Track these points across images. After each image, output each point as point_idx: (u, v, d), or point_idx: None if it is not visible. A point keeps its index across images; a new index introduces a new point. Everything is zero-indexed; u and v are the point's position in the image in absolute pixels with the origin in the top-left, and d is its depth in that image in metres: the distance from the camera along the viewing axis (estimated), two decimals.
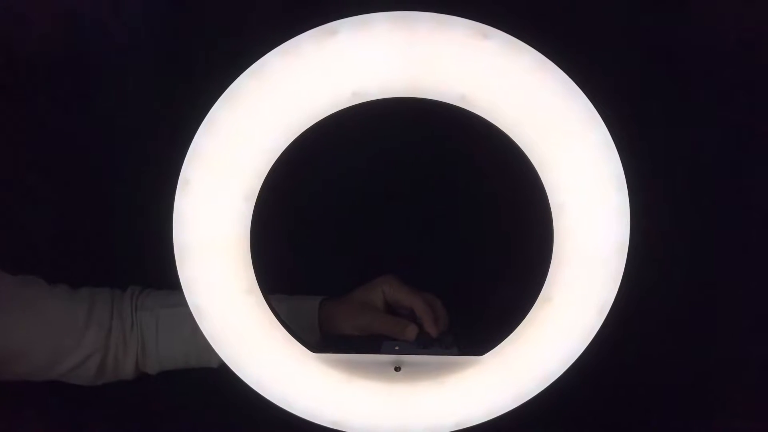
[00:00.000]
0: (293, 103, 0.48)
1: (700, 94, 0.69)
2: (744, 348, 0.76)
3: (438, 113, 0.48)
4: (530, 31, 0.46)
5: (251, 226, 0.51)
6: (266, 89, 0.47)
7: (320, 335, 0.66)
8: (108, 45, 0.67)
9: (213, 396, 0.69)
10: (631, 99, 0.66)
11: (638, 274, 0.52)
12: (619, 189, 0.49)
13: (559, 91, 0.47)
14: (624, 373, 0.75)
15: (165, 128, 0.63)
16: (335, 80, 0.47)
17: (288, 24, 0.46)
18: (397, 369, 0.55)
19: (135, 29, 0.66)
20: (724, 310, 0.75)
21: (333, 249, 0.73)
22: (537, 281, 0.52)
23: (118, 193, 0.71)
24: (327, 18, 0.45)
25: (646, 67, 0.69)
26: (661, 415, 0.79)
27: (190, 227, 0.50)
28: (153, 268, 0.59)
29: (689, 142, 0.71)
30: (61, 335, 0.62)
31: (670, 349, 0.76)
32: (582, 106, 0.48)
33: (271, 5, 0.66)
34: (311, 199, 0.72)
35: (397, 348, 0.57)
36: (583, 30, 0.67)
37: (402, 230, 0.73)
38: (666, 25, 0.68)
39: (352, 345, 0.57)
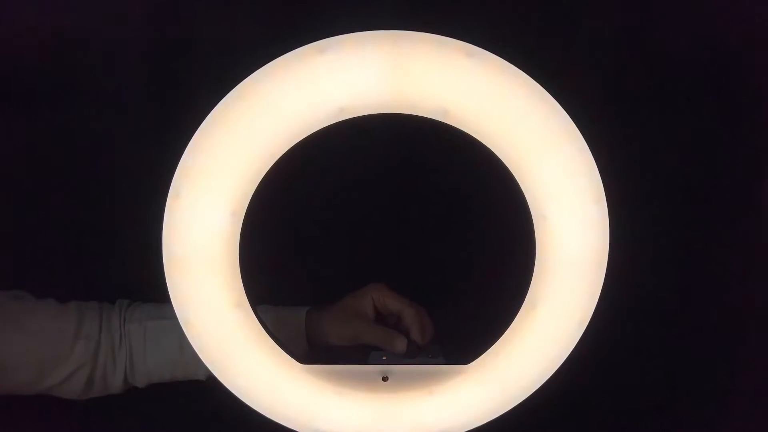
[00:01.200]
0: (281, 120, 0.48)
1: (680, 105, 0.71)
2: (727, 355, 0.77)
3: (422, 128, 0.49)
4: (511, 49, 0.47)
5: (240, 240, 0.51)
6: (254, 107, 0.47)
7: (307, 345, 0.66)
8: (99, 62, 0.67)
9: (201, 408, 0.69)
10: (609, 111, 0.68)
11: (620, 279, 0.53)
12: (597, 200, 0.50)
13: (539, 106, 0.48)
14: (608, 378, 0.76)
15: (156, 143, 0.63)
16: (323, 97, 0.47)
17: (275, 43, 0.46)
18: (385, 379, 0.55)
19: (124, 47, 0.66)
20: (706, 318, 0.76)
21: (321, 261, 0.74)
22: (520, 290, 0.53)
23: (108, 205, 0.71)
24: (315, 37, 0.46)
25: (624, 79, 0.71)
26: (647, 421, 0.80)
27: (179, 240, 0.50)
28: (142, 280, 0.59)
29: (669, 152, 0.72)
30: (49, 349, 0.62)
31: (654, 353, 0.77)
32: (560, 120, 0.49)
33: (260, 25, 0.66)
34: (300, 212, 0.72)
35: (384, 358, 0.57)
36: (561, 45, 0.69)
37: (388, 242, 0.73)
38: (644, 36, 0.69)
39: (339, 355, 0.57)
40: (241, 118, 0.48)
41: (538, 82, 0.48)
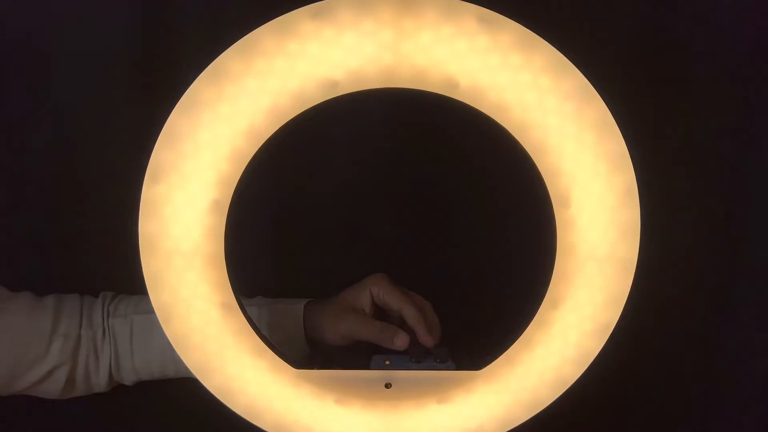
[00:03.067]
0: (268, 97, 0.46)
1: (723, 90, 0.68)
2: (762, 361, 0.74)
3: (429, 105, 0.46)
4: (531, 13, 0.44)
5: (225, 230, 0.49)
6: (237, 81, 0.45)
7: (306, 344, 0.63)
8: (71, 38, 0.64)
9: (190, 411, 0.67)
10: (643, 91, 0.65)
11: (651, 278, 0.51)
12: (627, 189, 0.47)
13: (562, 80, 0.45)
14: (636, 387, 0.73)
15: (131, 122, 0.63)
16: (315, 70, 0.45)
17: (262, 7, 0.44)
18: (388, 386, 0.53)
19: (98, 20, 0.63)
20: (743, 322, 0.73)
21: (317, 254, 0.71)
22: (539, 288, 0.51)
23: (87, 191, 0.69)
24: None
25: (662, 54, 0.67)
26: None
27: (157, 231, 0.48)
28: (125, 272, 0.56)
29: (707, 142, 0.69)
30: (24, 347, 0.60)
31: (686, 359, 0.75)
32: (588, 96, 0.46)
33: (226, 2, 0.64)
34: (291, 199, 0.70)
35: (387, 363, 0.54)
36: (590, 10, 0.65)
37: (391, 234, 0.71)
38: (678, 21, 0.66)
39: (338, 360, 0.55)
40: (223, 94, 0.45)
41: (561, 52, 0.45)
